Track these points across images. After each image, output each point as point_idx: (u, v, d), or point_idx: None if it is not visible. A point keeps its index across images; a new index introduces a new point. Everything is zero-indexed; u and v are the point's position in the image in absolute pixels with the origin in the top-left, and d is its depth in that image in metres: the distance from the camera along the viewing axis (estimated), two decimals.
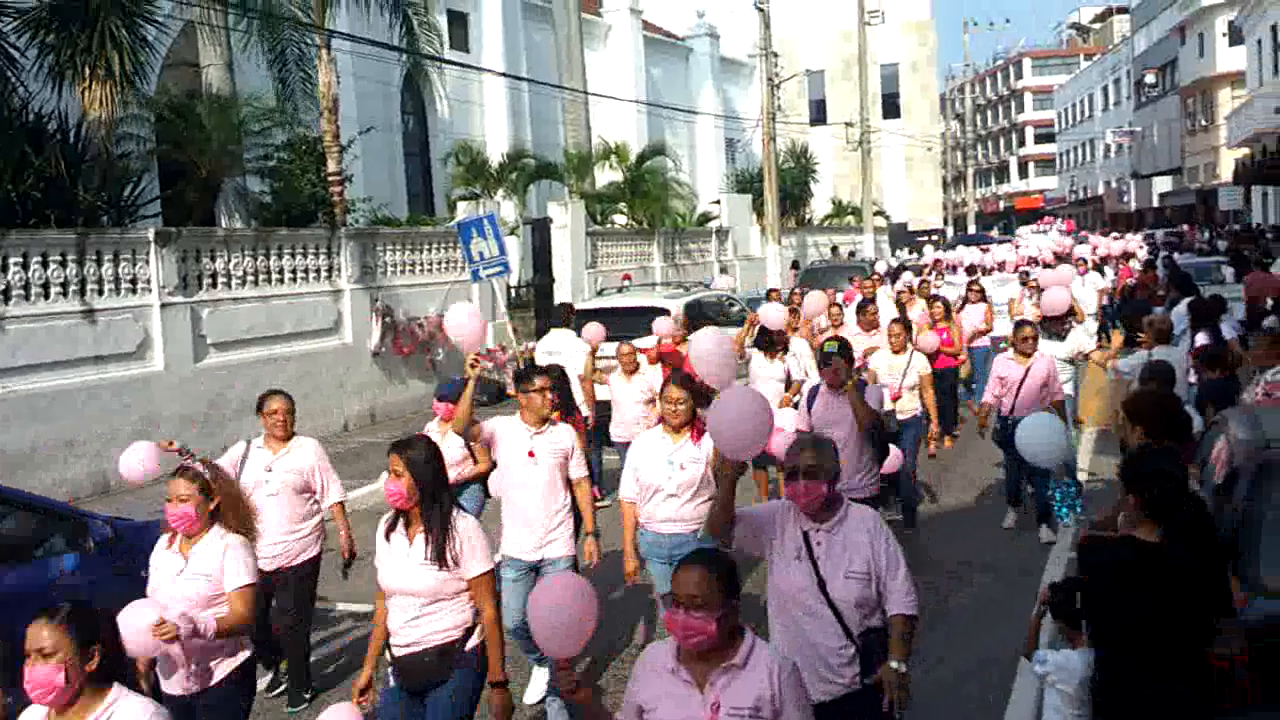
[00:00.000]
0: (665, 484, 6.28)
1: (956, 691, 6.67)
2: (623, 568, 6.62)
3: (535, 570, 6.38)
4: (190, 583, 4.78)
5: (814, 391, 7.78)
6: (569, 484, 6.50)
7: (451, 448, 7.57)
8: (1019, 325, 10.07)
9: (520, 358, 16.66)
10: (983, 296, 15.66)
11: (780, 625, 4.48)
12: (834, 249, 39.23)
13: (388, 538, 4.76)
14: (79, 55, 14.06)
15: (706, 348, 5.41)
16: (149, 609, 4.39)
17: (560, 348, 12.43)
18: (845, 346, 7.65)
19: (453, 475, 7.74)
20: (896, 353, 10.51)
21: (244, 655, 4.92)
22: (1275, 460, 5.11)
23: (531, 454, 6.33)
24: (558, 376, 7.72)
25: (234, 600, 4.79)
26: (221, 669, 4.80)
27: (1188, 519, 4.20)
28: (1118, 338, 14.80)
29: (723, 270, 28.32)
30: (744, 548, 4.54)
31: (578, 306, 16.93)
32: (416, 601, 4.65)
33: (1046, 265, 20.33)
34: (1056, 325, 11.23)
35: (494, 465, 7.48)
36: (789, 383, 10.58)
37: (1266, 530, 4.77)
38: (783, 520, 4.48)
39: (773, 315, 11.04)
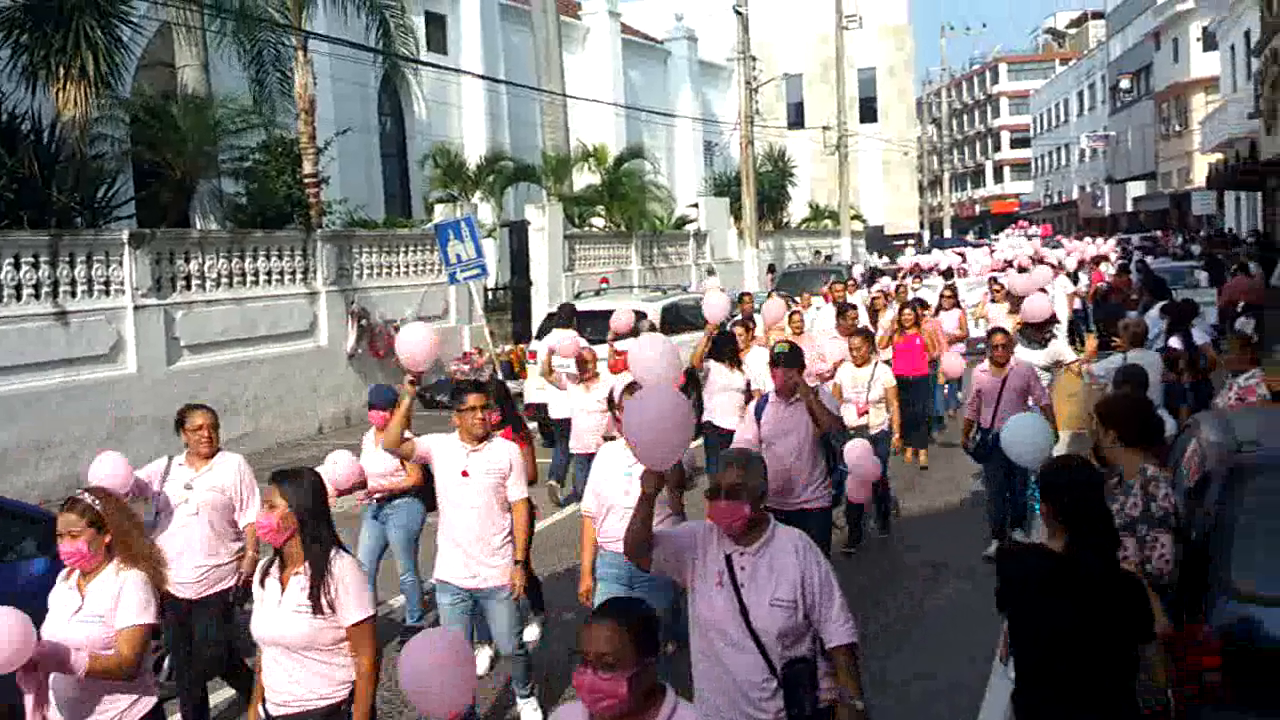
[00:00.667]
0: (620, 499, 5.83)
1: (931, 697, 6.69)
2: (577, 587, 6.48)
3: (475, 600, 6.14)
4: (83, 626, 4.29)
5: (764, 400, 7.38)
6: (510, 508, 6.19)
7: (385, 458, 7.32)
8: (991, 333, 9.55)
9: (497, 360, 16.69)
10: (956, 302, 15.43)
11: (700, 655, 4.18)
12: (817, 253, 39.35)
13: (262, 583, 4.38)
14: (53, 55, 13.96)
15: (650, 355, 5.15)
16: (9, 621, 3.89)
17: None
18: (796, 351, 7.27)
19: (385, 484, 7.61)
20: (860, 365, 10.15)
21: (149, 702, 4.42)
22: (1246, 464, 5.15)
23: (465, 473, 6.01)
24: (496, 388, 7.49)
25: (120, 641, 4.27)
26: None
27: (1097, 531, 4.08)
28: (1092, 341, 14.90)
29: (710, 272, 28.26)
30: (664, 571, 4.29)
31: (555, 310, 16.92)
32: (291, 653, 4.26)
33: (1023, 269, 20.29)
34: (1036, 333, 10.83)
35: (427, 477, 7.33)
36: (749, 394, 9.96)
37: (1238, 534, 4.80)
38: (705, 542, 4.19)
39: (713, 300, 10.33)
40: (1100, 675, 3.91)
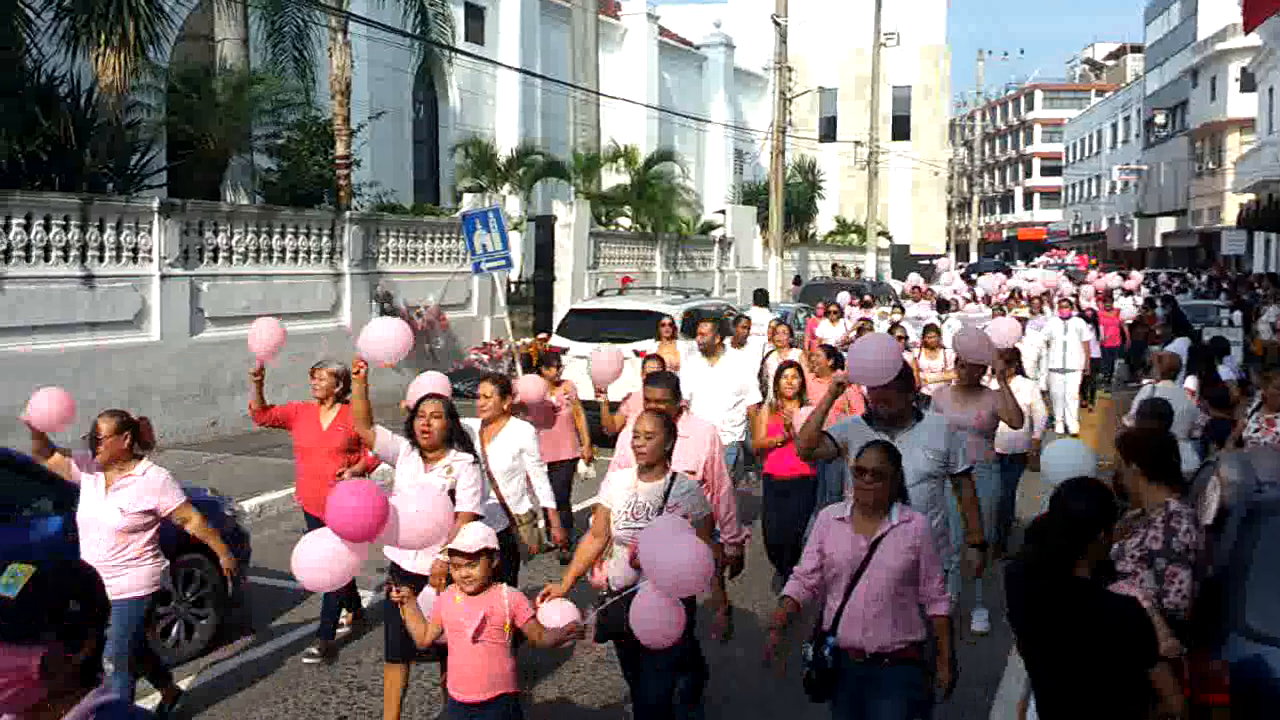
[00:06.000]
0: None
1: None
2: None
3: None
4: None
5: None
6: None
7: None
8: (862, 452, 4.80)
9: (517, 353, 16.71)
10: (940, 344, 11.80)
11: None
12: (840, 267, 39.33)
13: None
14: (95, 20, 14.00)
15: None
16: None
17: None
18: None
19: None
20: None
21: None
22: (1264, 503, 5.12)
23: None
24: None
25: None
26: None
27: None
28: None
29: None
30: None
31: (577, 307, 16.95)
32: None
33: (1031, 299, 18.96)
34: (886, 402, 5.66)
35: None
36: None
37: (1254, 573, 4.78)
38: None
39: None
40: (1109, 699, 3.87)
